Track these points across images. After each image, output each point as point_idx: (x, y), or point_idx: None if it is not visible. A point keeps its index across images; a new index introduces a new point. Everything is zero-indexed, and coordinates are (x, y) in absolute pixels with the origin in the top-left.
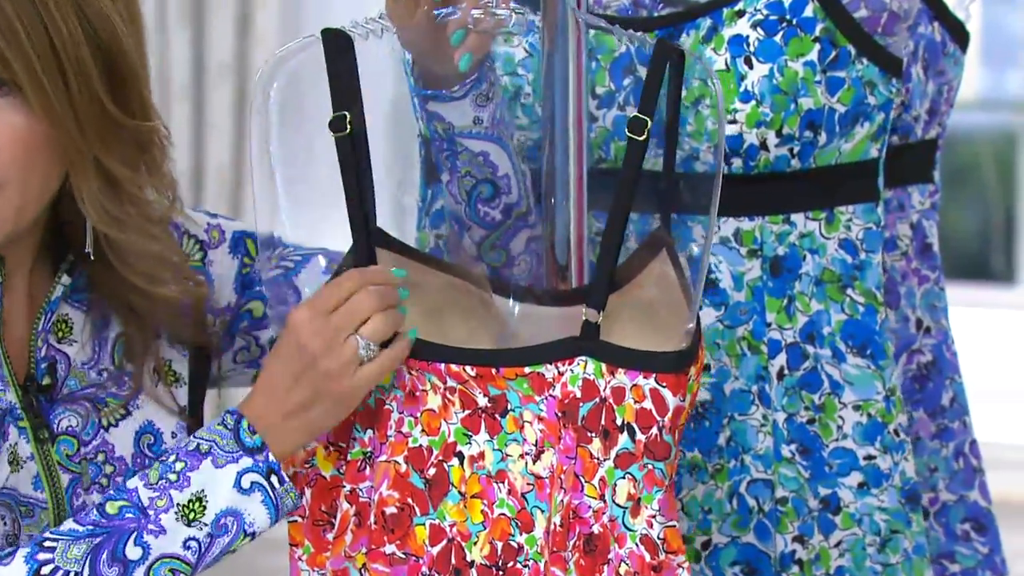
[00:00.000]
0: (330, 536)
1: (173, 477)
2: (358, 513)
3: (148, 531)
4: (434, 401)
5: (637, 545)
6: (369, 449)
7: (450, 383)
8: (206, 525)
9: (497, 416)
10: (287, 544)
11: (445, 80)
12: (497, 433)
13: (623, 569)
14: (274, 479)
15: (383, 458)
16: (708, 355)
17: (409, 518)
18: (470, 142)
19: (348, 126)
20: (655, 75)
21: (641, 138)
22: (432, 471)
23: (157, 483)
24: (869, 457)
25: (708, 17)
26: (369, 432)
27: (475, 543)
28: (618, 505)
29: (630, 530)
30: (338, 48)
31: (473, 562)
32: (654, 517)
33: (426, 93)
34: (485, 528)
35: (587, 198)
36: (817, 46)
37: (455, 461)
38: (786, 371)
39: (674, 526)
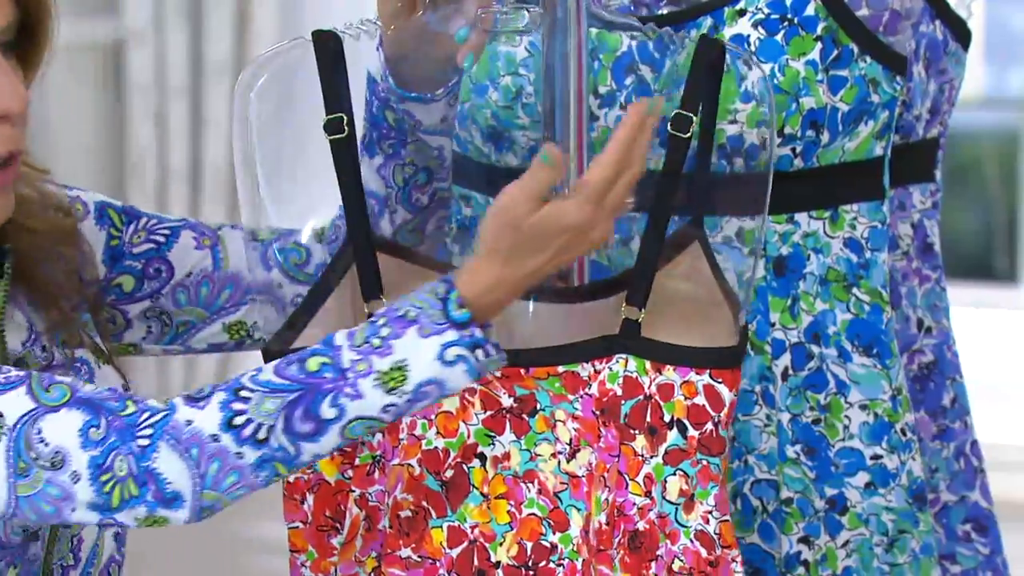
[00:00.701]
0: (335, 541)
1: (377, 342)
2: (368, 518)
3: (344, 394)
4: (450, 403)
5: (692, 541)
6: (379, 453)
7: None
8: (407, 393)
9: (524, 416)
10: (286, 547)
11: (425, 82)
12: (525, 433)
13: (676, 565)
14: (479, 352)
15: (396, 462)
16: None
17: (424, 521)
18: (430, 137)
19: (345, 128)
20: (698, 70)
21: (686, 135)
22: (449, 473)
23: (361, 345)
24: (876, 457)
25: (709, 16)
26: (379, 436)
27: (501, 544)
28: (669, 502)
29: (683, 526)
30: (329, 50)
31: (499, 563)
32: (710, 513)
33: (408, 95)
34: (512, 528)
35: None
36: (819, 45)
37: (476, 463)
38: (790, 371)
39: (728, 520)
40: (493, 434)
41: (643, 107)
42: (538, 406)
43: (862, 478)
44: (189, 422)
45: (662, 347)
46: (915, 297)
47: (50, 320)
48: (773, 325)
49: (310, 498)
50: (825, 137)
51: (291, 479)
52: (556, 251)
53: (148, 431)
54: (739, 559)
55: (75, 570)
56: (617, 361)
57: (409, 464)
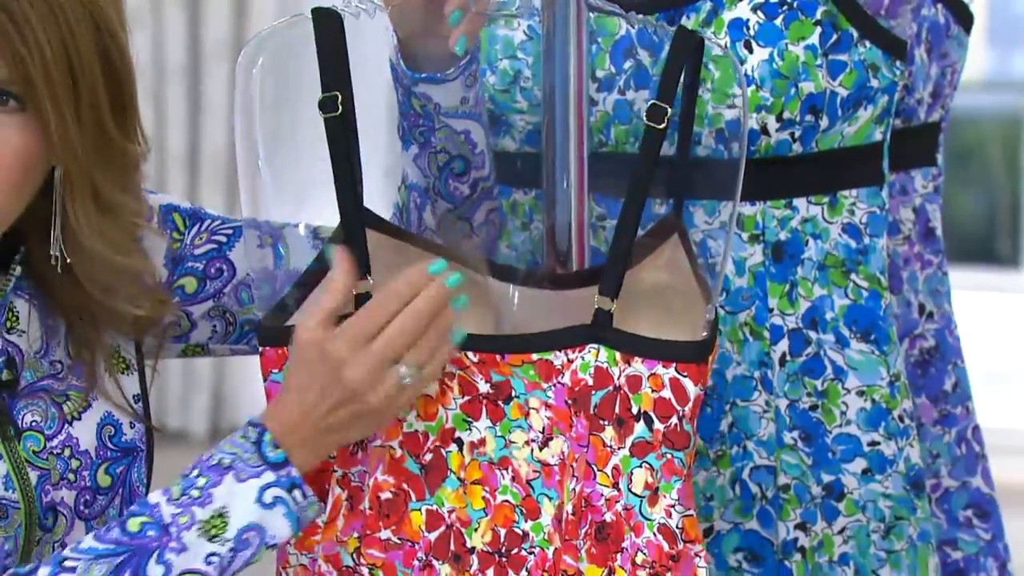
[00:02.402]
0: (319, 521)
1: (196, 493)
2: (350, 498)
3: (170, 548)
4: (430, 387)
5: (655, 534)
6: None
7: (449, 368)
8: (228, 540)
9: (500, 403)
10: None
11: (436, 61)
12: (500, 420)
13: (640, 558)
14: (296, 493)
15: (377, 443)
16: None
17: (404, 503)
18: (454, 121)
19: (339, 107)
20: (675, 62)
21: (660, 126)
22: (428, 456)
23: (179, 499)
24: (873, 443)
25: (708, 0)
26: None
27: (476, 529)
28: (634, 494)
29: (647, 519)
30: (328, 28)
31: (474, 548)
32: (673, 507)
33: (419, 76)
34: (487, 514)
35: (590, 183)
36: (818, 29)
37: (454, 447)
38: (788, 357)
39: (692, 515)
40: (470, 419)
41: (427, 279)
42: (513, 393)
43: (859, 464)
44: None
45: (631, 338)
46: (916, 282)
47: (74, 335)
48: (771, 311)
49: None
50: (824, 122)
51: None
52: (326, 391)
53: None
54: (703, 554)
55: None
56: (589, 351)
57: (390, 446)
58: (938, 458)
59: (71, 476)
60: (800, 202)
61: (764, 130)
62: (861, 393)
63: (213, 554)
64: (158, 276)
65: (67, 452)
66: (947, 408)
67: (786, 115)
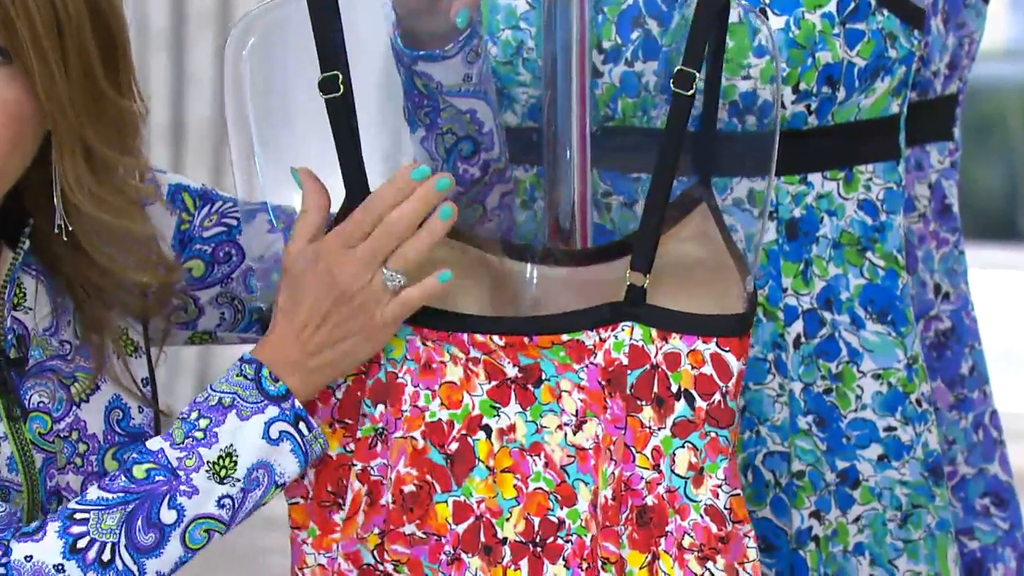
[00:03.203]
0: (338, 517)
1: (199, 435)
2: (370, 492)
3: (181, 492)
4: (454, 373)
5: (702, 516)
6: (381, 425)
7: (474, 353)
8: (238, 481)
9: (530, 386)
10: (287, 524)
11: (435, 38)
12: (530, 404)
13: (687, 542)
14: (302, 426)
15: (398, 434)
16: None
17: (429, 496)
18: (458, 100)
19: (340, 87)
20: (702, 25)
21: (688, 93)
22: (454, 446)
23: (183, 442)
24: (889, 428)
25: None
26: (381, 407)
27: (508, 519)
28: (678, 475)
29: (693, 501)
30: (323, 6)
31: (506, 539)
32: (720, 486)
33: (416, 54)
34: (519, 503)
35: (593, 158)
36: None
37: (481, 435)
38: (803, 339)
39: (739, 495)
40: (498, 405)
41: (414, 183)
42: (543, 376)
43: (875, 450)
44: (29, 558)
45: (667, 314)
46: (932, 261)
47: (83, 315)
48: (785, 290)
49: (311, 472)
50: (841, 94)
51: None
52: (317, 299)
53: None
54: (752, 534)
55: None
56: (623, 329)
57: (412, 436)
58: (954, 444)
59: (78, 460)
60: (815, 177)
61: (781, 103)
62: (877, 376)
63: (225, 496)
64: (165, 244)
65: (75, 435)
66: (964, 392)
67: (802, 86)
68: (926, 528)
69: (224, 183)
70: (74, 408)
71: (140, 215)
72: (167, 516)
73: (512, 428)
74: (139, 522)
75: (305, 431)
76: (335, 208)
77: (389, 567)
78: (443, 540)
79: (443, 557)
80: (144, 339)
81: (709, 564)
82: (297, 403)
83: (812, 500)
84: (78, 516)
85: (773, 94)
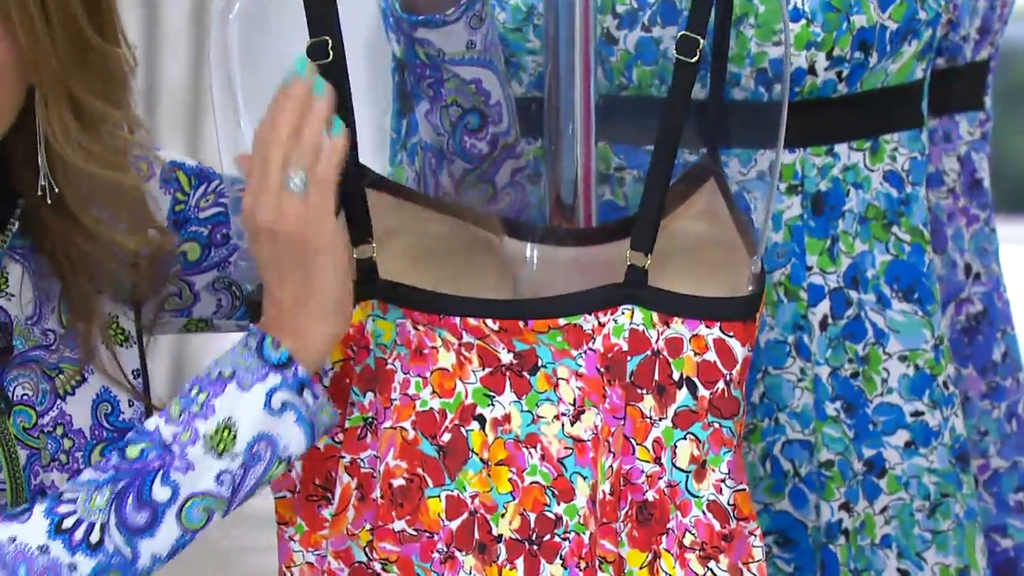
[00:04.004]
0: (327, 512)
1: (196, 408)
2: (360, 486)
3: (175, 468)
4: (446, 359)
5: (704, 513)
6: (370, 415)
7: (467, 339)
8: (238, 455)
9: (525, 374)
10: (269, 520)
11: (435, 2)
12: (526, 393)
13: (688, 540)
14: (307, 394)
15: (388, 424)
16: None
17: (420, 490)
18: (461, 69)
19: (330, 53)
20: None
21: (692, 60)
22: (446, 437)
23: (179, 417)
24: (917, 413)
25: None
26: (370, 395)
27: (503, 515)
28: (679, 469)
29: (695, 496)
30: None
31: (501, 536)
32: (723, 481)
33: (416, 19)
34: (514, 498)
35: (608, 130)
36: None
37: (475, 425)
38: (830, 320)
39: (744, 490)
40: (492, 394)
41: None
42: (539, 362)
43: (902, 437)
44: (12, 539)
45: (669, 297)
46: (962, 240)
47: (70, 298)
48: (810, 269)
49: (298, 465)
50: (873, 59)
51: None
52: (272, 258)
53: None
54: (758, 532)
55: None
56: (622, 313)
57: (402, 427)
58: (986, 436)
59: (63, 457)
60: (841, 148)
61: (812, 69)
62: (903, 358)
63: (224, 471)
64: (157, 209)
65: (59, 430)
66: (996, 380)
67: (836, 52)
68: (955, 518)
69: (203, 152)
70: (58, 401)
71: (130, 168)
72: (160, 493)
73: (507, 418)
74: (130, 500)
75: (310, 400)
76: None
77: (378, 566)
78: (435, 537)
79: (435, 555)
80: (136, 327)
81: (712, 564)
82: (301, 370)
83: (841, 491)
84: (66, 496)
85: (809, 60)
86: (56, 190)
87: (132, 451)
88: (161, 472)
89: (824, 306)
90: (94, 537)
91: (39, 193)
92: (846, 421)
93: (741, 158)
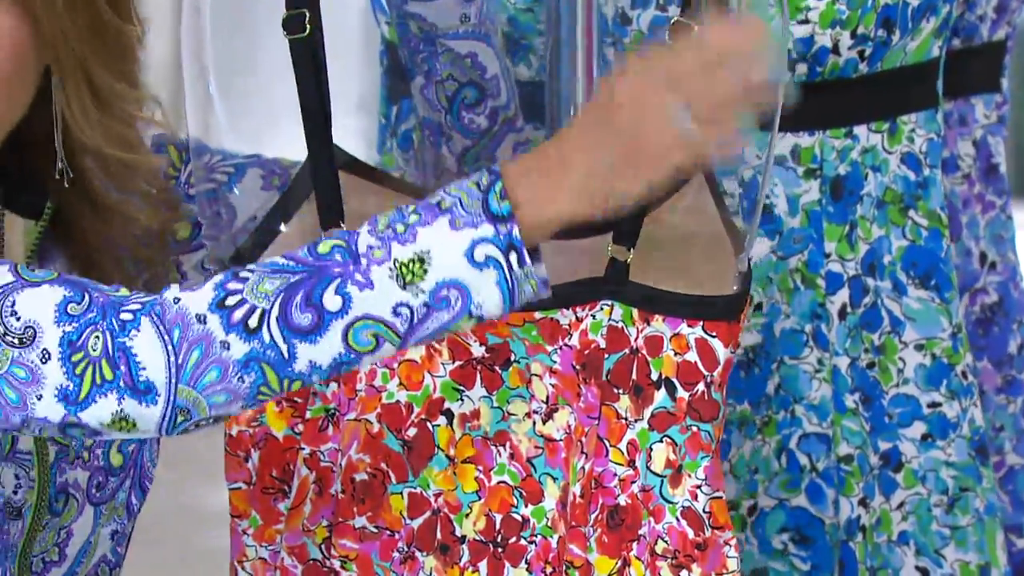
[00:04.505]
0: (283, 506)
1: (400, 228)
2: (319, 480)
3: (354, 281)
4: (415, 351)
5: (678, 519)
6: (333, 405)
7: None
8: (423, 292)
9: (497, 368)
10: (227, 516)
11: None
12: (497, 388)
13: (660, 547)
14: (513, 257)
15: (351, 416)
16: (759, 291)
17: (383, 486)
18: (456, 43)
19: (307, 26)
20: None
21: None
22: (412, 432)
23: (383, 231)
24: (934, 404)
25: None
26: (333, 386)
27: (467, 515)
28: (654, 473)
29: (669, 502)
30: None
31: (464, 537)
32: (699, 487)
33: None
34: (480, 498)
35: None
36: None
37: (442, 420)
38: (849, 309)
39: (721, 497)
40: (462, 388)
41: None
42: (512, 357)
43: (918, 429)
44: (177, 300)
45: (650, 293)
46: (977, 227)
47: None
48: (828, 256)
49: (255, 455)
50: (896, 37)
51: (234, 432)
52: (587, 114)
53: (134, 307)
54: (733, 542)
55: (59, 567)
56: (601, 308)
57: (367, 419)
58: (1002, 431)
59: (85, 455)
60: (860, 130)
61: (835, 48)
62: (920, 347)
63: (403, 304)
64: (161, 180)
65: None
66: (1012, 374)
67: (860, 30)
68: (974, 513)
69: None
70: None
71: (145, 149)
72: (331, 301)
73: (476, 414)
74: (298, 296)
75: (515, 264)
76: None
77: (336, 563)
78: (396, 536)
79: (395, 555)
80: None
81: (683, 573)
82: (516, 230)
83: (860, 487)
84: (242, 274)
85: (832, 39)
86: (72, 175)
87: (324, 247)
88: (339, 280)
89: (843, 294)
90: (252, 322)
91: (56, 176)
92: (864, 413)
93: (756, 141)
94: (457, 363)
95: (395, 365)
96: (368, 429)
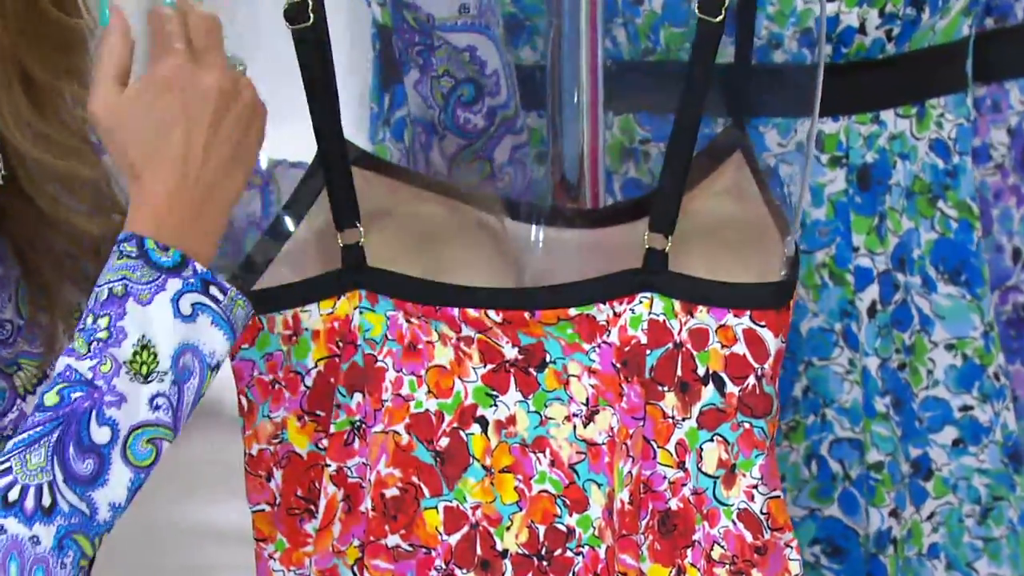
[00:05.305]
0: (310, 527)
1: (104, 335)
2: (347, 497)
3: (107, 404)
4: (444, 355)
5: (734, 523)
6: (358, 418)
7: (466, 332)
8: (165, 374)
9: (532, 370)
10: (245, 536)
11: None
12: (533, 392)
13: (716, 553)
14: (214, 291)
15: (378, 428)
16: None
17: (416, 501)
18: (453, 35)
19: (310, 15)
20: None
21: (716, 19)
22: (444, 441)
23: (88, 350)
24: (965, 408)
25: None
26: (358, 396)
27: (508, 528)
28: (706, 475)
29: (724, 505)
30: None
31: (506, 551)
32: (755, 487)
33: None
34: (521, 509)
35: (632, 99)
36: None
37: (476, 428)
38: (879, 306)
39: (779, 497)
40: (495, 393)
41: None
42: (547, 358)
43: (949, 434)
44: None
45: (692, 283)
46: (1011, 221)
47: (30, 287)
48: (857, 249)
49: (278, 474)
50: (925, 15)
51: (254, 451)
52: (189, 130)
53: None
54: (795, 544)
55: None
56: (640, 301)
57: (395, 431)
58: None
59: None
60: (887, 115)
61: (862, 28)
62: (950, 347)
63: (157, 395)
64: (118, 188)
65: None
66: None
67: (888, 8)
68: (1008, 524)
69: None
70: (19, 401)
71: (89, 154)
72: (100, 435)
73: (512, 420)
74: (71, 450)
75: (220, 295)
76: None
77: None
78: (433, 553)
79: (433, 573)
80: None
81: None
82: (199, 266)
83: (891, 496)
84: (1, 467)
85: (859, 17)
86: (6, 173)
87: (51, 398)
88: (95, 411)
89: (872, 291)
90: (45, 501)
91: None
92: (895, 418)
93: (780, 128)
94: (489, 367)
95: (423, 372)
96: (397, 441)
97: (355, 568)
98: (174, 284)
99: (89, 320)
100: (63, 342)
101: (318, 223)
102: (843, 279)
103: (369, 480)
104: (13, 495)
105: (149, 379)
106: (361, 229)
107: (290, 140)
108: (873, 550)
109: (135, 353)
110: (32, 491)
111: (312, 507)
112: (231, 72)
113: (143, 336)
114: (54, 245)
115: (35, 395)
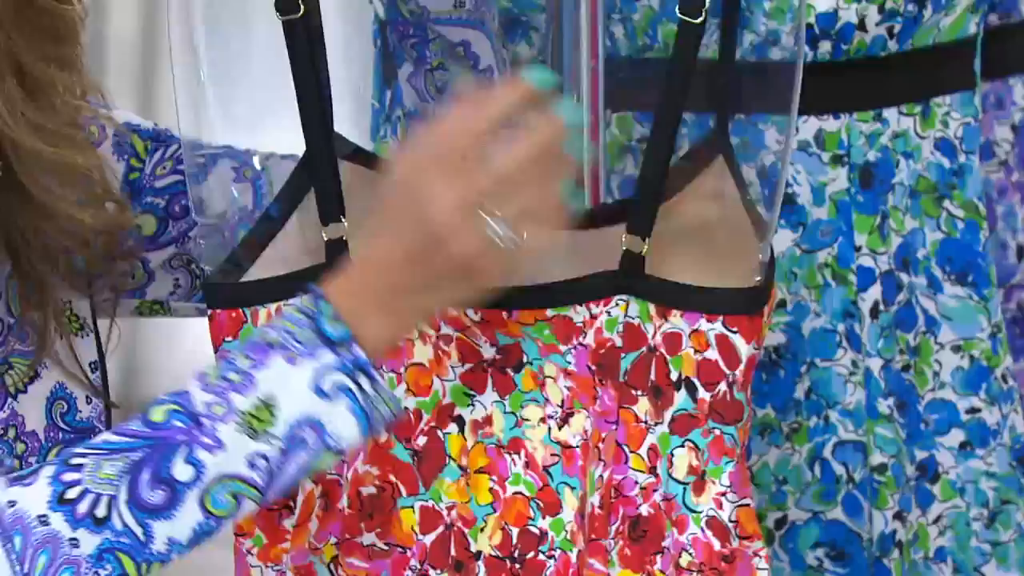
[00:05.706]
0: (288, 523)
1: (236, 377)
2: (325, 495)
3: (202, 445)
4: (423, 353)
5: (702, 530)
6: None
7: (445, 330)
8: (277, 439)
9: (509, 371)
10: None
11: None
12: (509, 392)
13: (684, 560)
14: (363, 380)
15: None
16: (782, 288)
17: (392, 500)
18: (448, 29)
19: (301, 6)
20: None
21: (697, 20)
22: (422, 440)
23: (216, 384)
24: (972, 410)
25: None
26: None
27: (482, 529)
28: (676, 480)
29: (693, 512)
30: None
31: (480, 553)
32: (724, 495)
33: None
34: (495, 511)
35: (629, 97)
36: None
37: (453, 428)
38: (882, 307)
39: (748, 505)
40: (472, 393)
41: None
42: (525, 359)
43: (956, 437)
44: (12, 503)
45: (667, 287)
46: (1015, 219)
47: (21, 283)
48: (859, 249)
49: None
50: (928, 11)
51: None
52: (403, 234)
53: None
54: (763, 553)
55: None
56: (617, 304)
57: None
58: None
59: (15, 463)
60: (890, 113)
61: (861, 24)
62: (957, 348)
63: (258, 455)
64: (114, 178)
65: (11, 433)
66: None
67: (889, 5)
68: (1016, 527)
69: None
70: (10, 400)
71: (84, 143)
72: (181, 472)
73: (488, 420)
74: (145, 475)
75: (368, 387)
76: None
77: None
78: (408, 553)
79: (407, 573)
80: (91, 315)
81: None
82: (360, 351)
83: (895, 499)
84: (75, 461)
85: (858, 14)
86: (2, 163)
87: (157, 414)
88: (186, 448)
89: (875, 291)
90: (100, 511)
91: None
92: (899, 420)
93: (779, 126)
94: (467, 366)
95: (401, 370)
96: (375, 439)
97: (331, 566)
98: (327, 357)
99: (236, 355)
100: (54, 340)
101: (307, 217)
102: (845, 279)
103: (346, 477)
104: (72, 494)
105: (257, 437)
106: (346, 224)
107: (287, 133)
108: (877, 553)
109: (256, 408)
110: (91, 498)
111: (290, 503)
112: (476, 234)
113: (271, 395)
114: (47, 238)
115: (27, 393)
